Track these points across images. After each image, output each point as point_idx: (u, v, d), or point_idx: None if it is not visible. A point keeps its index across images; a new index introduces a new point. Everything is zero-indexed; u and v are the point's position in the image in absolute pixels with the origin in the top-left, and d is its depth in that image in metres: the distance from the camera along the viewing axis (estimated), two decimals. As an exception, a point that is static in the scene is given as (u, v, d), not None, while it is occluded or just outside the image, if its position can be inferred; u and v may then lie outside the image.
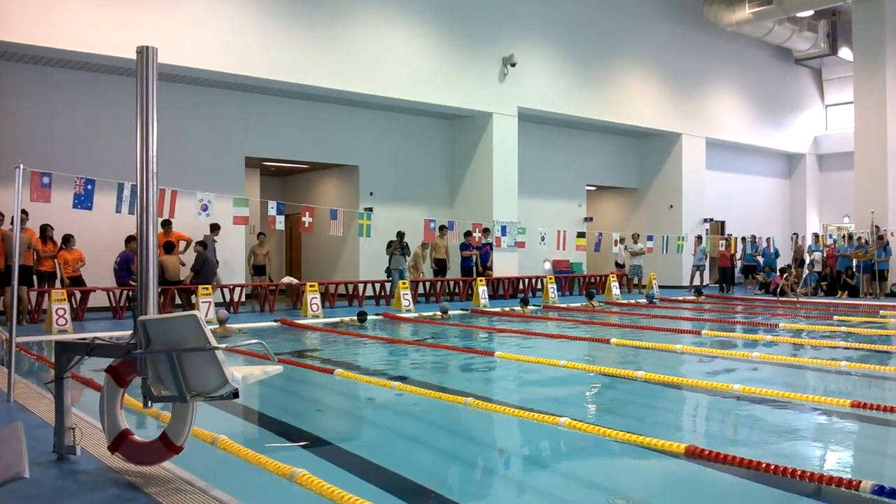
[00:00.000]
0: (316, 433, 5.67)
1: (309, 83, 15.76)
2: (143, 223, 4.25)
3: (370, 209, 17.07)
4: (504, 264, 19.22)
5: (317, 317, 13.67)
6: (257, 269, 16.61)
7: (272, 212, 13.89)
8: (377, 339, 10.96)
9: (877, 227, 19.68)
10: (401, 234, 16.99)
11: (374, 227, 15.60)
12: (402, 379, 7.72)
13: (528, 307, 15.41)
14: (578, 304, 16.81)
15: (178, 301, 14.27)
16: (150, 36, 12.91)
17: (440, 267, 18.28)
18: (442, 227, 17.56)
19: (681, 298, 18.51)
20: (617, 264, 21.60)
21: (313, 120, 17.79)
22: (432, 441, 5.65)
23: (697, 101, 24.24)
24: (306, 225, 14.37)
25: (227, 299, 14.93)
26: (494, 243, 18.46)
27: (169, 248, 14.33)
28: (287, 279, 16.41)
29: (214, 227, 15.12)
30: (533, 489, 4.57)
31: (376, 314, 14.30)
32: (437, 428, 6.02)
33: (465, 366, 9.04)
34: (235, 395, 3.84)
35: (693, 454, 4.42)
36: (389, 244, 16.95)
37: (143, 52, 4.27)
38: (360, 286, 16.92)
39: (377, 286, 17.00)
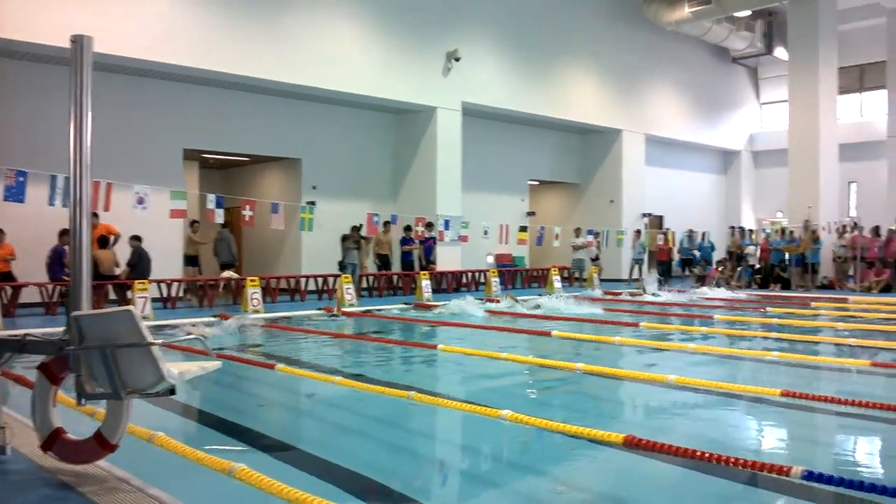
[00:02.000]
0: (257, 429, 5.60)
1: (251, 75, 15.53)
2: (77, 216, 4.12)
3: (313, 203, 16.91)
4: (447, 258, 19.27)
5: (257, 312, 13.47)
6: (189, 260, 16.28)
7: (211, 205, 13.67)
8: (319, 334, 10.87)
9: (809, 221, 20.32)
10: (356, 228, 16.88)
11: (316, 221, 15.48)
12: (345, 374, 7.68)
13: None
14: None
15: (112, 297, 13.93)
16: (86, 24, 12.53)
17: (383, 262, 18.24)
18: (386, 223, 17.53)
19: (620, 291, 18.81)
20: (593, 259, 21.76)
21: (255, 112, 17.53)
22: (375, 435, 5.64)
23: (637, 98, 24.67)
24: (247, 218, 14.19)
25: (164, 294, 14.62)
26: (438, 237, 18.49)
27: (103, 242, 13.96)
28: (227, 274, 16.14)
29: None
30: (476, 480, 4.60)
31: (364, 309, 14.20)
32: (380, 422, 6.00)
33: (408, 359, 9.04)
34: (172, 391, 3.76)
35: (631, 444, 4.50)
36: (345, 237, 16.81)
37: (78, 41, 4.14)
38: (303, 281, 16.75)
39: (320, 280, 16.86)
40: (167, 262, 15.87)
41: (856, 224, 20.77)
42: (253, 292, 13.80)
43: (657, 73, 25.45)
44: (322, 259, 17.52)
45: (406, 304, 15.41)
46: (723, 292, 17.80)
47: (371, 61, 17.56)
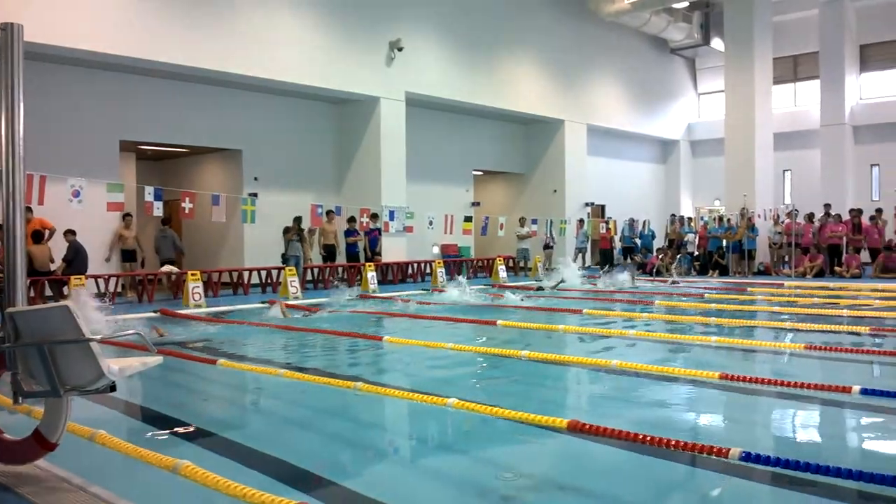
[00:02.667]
0: (201, 425, 5.52)
1: (190, 65, 15.22)
2: (10, 211, 3.99)
3: (254, 195, 16.68)
4: (393, 249, 19.24)
5: (199, 306, 13.26)
6: (126, 254, 15.88)
7: (149, 197, 13.39)
8: (263, 327, 10.75)
9: (745, 208, 20.87)
10: (298, 220, 16.69)
11: (259, 213, 15.29)
12: (290, 366, 7.63)
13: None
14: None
15: (49, 293, 13.54)
16: (16, 12, 12.09)
17: (329, 253, 18.12)
18: (329, 213, 17.40)
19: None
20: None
21: (194, 102, 17.19)
22: (321, 427, 5.62)
23: (579, 88, 24.95)
24: (186, 211, 13.93)
25: (102, 290, 14.27)
26: (383, 228, 18.44)
27: (37, 237, 13.55)
28: (167, 268, 15.82)
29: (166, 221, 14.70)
30: (423, 468, 4.63)
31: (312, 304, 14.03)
32: (326, 414, 5.98)
33: (354, 351, 9.02)
34: (113, 388, 3.68)
35: (575, 428, 4.58)
36: (286, 230, 16.61)
37: (8, 29, 4.00)
38: (246, 274, 16.53)
39: (264, 273, 16.66)
40: (105, 257, 15.51)
41: (790, 211, 21.41)
42: (194, 286, 13.57)
43: (598, 64, 25.78)
44: (265, 252, 17.31)
45: (352, 296, 15.34)
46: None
47: (313, 51, 17.37)
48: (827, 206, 21.02)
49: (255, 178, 18.17)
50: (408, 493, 4.11)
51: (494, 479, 4.26)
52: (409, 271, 19.48)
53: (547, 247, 22.23)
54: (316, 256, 18.17)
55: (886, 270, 18.48)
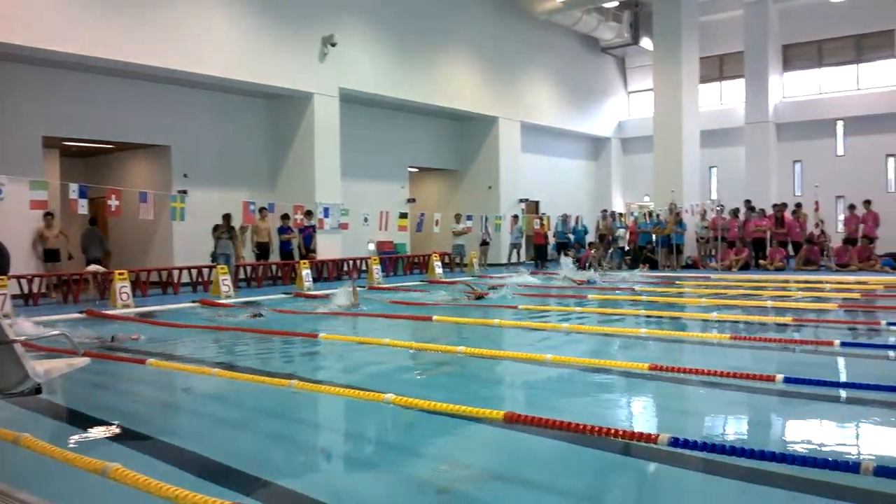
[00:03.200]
0: (131, 426, 5.39)
1: (116, 58, 14.76)
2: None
3: (184, 192, 16.32)
4: (328, 246, 19.07)
5: (127, 306, 12.90)
6: (49, 254, 15.34)
7: (74, 195, 12.98)
8: (193, 328, 10.53)
9: (673, 204, 21.40)
10: (227, 217, 16.37)
11: (189, 210, 14.97)
12: (223, 365, 7.50)
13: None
14: (407, 285, 17.04)
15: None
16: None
17: (262, 250, 17.87)
18: (262, 210, 17.15)
19: (504, 275, 19.23)
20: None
21: (120, 97, 16.70)
22: (256, 426, 5.54)
23: (513, 86, 25.17)
24: (113, 209, 13.55)
25: (26, 290, 13.76)
26: (318, 225, 18.27)
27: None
28: (93, 267, 15.33)
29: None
30: (360, 464, 4.62)
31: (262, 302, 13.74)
32: (261, 413, 5.91)
33: (289, 349, 8.92)
34: (38, 390, 3.57)
35: (511, 420, 4.64)
36: (216, 227, 16.28)
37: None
38: (176, 273, 16.15)
39: (194, 272, 16.32)
40: (29, 257, 14.96)
41: (717, 207, 22.05)
42: (122, 286, 13.19)
43: (532, 62, 26.06)
44: (196, 250, 16.93)
45: (286, 293, 15.17)
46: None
47: (243, 45, 17.08)
48: (747, 201, 21.72)
49: (185, 175, 17.78)
50: (345, 490, 4.10)
51: (432, 472, 4.28)
52: (345, 268, 19.36)
53: (483, 243, 22.38)
54: (249, 254, 17.89)
55: (808, 263, 19.20)
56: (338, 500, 3.87)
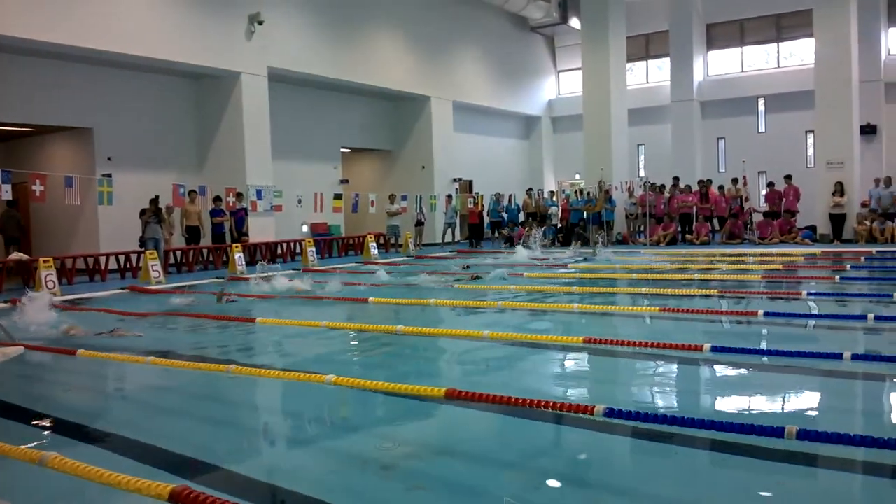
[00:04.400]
0: (66, 417, 5.27)
1: (33, 38, 14.15)
2: None
3: (109, 175, 15.83)
4: (261, 229, 18.81)
5: (54, 294, 12.50)
6: None
7: (-5, 180, 12.46)
8: (125, 315, 10.28)
9: (603, 181, 21.80)
10: (154, 200, 15.94)
11: (115, 194, 14.54)
12: (157, 353, 7.37)
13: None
14: (342, 266, 16.95)
15: None
16: None
17: (192, 234, 17.49)
18: (192, 193, 16.79)
19: (439, 255, 19.32)
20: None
21: (38, 79, 16.03)
22: (196, 412, 5.49)
23: (445, 65, 25.15)
24: (38, 194, 13.07)
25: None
26: (250, 208, 17.99)
27: None
28: (15, 255, 14.79)
29: None
30: (304, 444, 4.63)
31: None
32: (199, 399, 5.85)
33: (225, 334, 8.81)
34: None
35: (452, 396, 4.71)
36: (143, 212, 15.85)
37: None
38: (103, 259, 15.70)
39: (122, 258, 15.90)
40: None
41: (644, 183, 22.54)
42: (47, 274, 12.76)
43: (462, 41, 26.06)
44: (123, 235, 16.48)
45: (219, 278, 14.93)
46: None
47: (166, 23, 16.59)
48: (675, 178, 22.29)
49: (109, 158, 17.22)
50: (289, 471, 4.11)
51: (375, 450, 4.32)
52: (279, 251, 19.14)
53: (418, 223, 22.40)
54: (179, 239, 17.51)
55: (732, 237, 19.85)
56: (282, 482, 3.88)
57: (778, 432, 3.72)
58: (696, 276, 12.29)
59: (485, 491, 3.65)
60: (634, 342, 6.70)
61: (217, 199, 17.51)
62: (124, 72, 17.42)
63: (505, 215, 24.27)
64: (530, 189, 25.68)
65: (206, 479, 3.81)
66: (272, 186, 18.45)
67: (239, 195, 17.45)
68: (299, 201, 18.32)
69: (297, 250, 19.17)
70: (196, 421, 5.21)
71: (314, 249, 17.80)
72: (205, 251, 17.59)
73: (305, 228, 21.28)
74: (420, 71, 23.99)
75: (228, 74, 18.27)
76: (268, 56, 18.81)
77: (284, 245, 19.32)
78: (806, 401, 5.38)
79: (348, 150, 24.73)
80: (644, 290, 10.63)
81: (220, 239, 17.91)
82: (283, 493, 3.76)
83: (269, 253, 18.72)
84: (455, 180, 25.58)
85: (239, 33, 18.18)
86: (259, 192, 17.79)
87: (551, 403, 4.47)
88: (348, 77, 21.26)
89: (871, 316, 7.52)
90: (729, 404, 5.27)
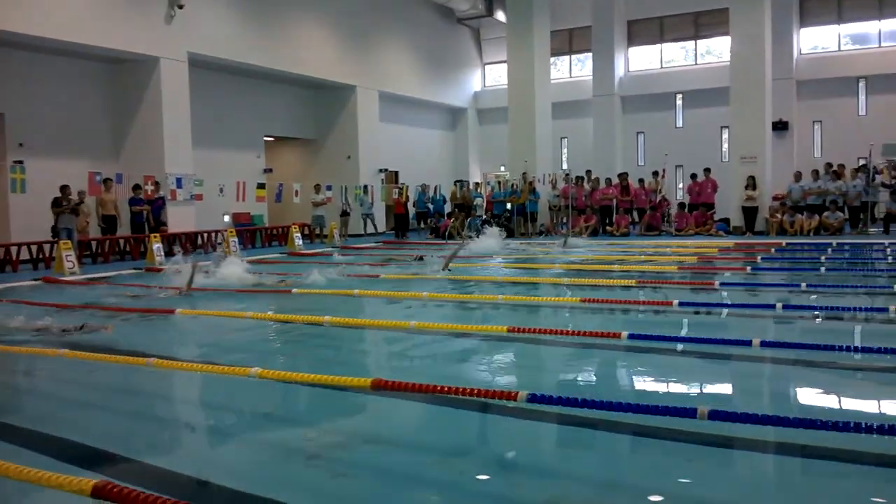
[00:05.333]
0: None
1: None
2: None
3: (20, 162, 15.18)
4: (180, 218, 18.35)
5: (-39, 286, 11.95)
6: None
7: None
8: (33, 305, 9.90)
9: (527, 174, 22.09)
10: (65, 188, 15.33)
11: (28, 182, 13.97)
12: (73, 346, 7.14)
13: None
14: (268, 257, 16.71)
15: None
16: None
17: (109, 224, 16.94)
18: (108, 181, 16.27)
19: (368, 245, 19.25)
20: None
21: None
22: (116, 406, 5.36)
23: (370, 55, 25.00)
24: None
25: None
26: (169, 196, 17.54)
27: None
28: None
29: None
30: (229, 437, 4.59)
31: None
32: (119, 392, 5.71)
33: (147, 326, 8.59)
34: None
35: (378, 386, 4.74)
36: (55, 201, 15.22)
37: None
38: (14, 249, 15.05)
39: (34, 248, 15.29)
40: None
41: (567, 176, 22.96)
42: (-47, 264, 12.19)
43: (388, 31, 25.95)
44: (35, 224, 15.82)
45: (136, 269, 14.53)
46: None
47: (82, 5, 15.97)
48: (588, 172, 22.88)
49: (21, 145, 16.51)
50: (214, 464, 4.08)
51: (301, 440, 4.32)
52: (199, 241, 18.72)
53: (343, 213, 22.26)
54: (95, 229, 16.93)
55: (651, 228, 20.43)
56: (207, 474, 3.84)
57: (691, 413, 3.89)
58: (616, 266, 12.58)
59: (411, 477, 3.70)
60: (556, 330, 6.87)
61: (136, 187, 17.00)
62: (38, 55, 16.71)
63: (430, 206, 24.34)
64: (459, 181, 25.82)
65: (129, 474, 3.75)
66: (192, 175, 18.03)
67: (157, 184, 16.98)
68: (221, 190, 17.96)
69: (219, 241, 18.78)
70: (115, 414, 5.09)
71: (236, 240, 17.50)
72: (121, 241, 17.06)
73: (227, 218, 20.87)
74: (346, 60, 23.79)
75: (147, 59, 17.73)
76: (188, 41, 18.34)
77: (205, 235, 18.92)
78: (718, 385, 5.62)
79: (272, 139, 24.36)
80: (566, 280, 10.84)
81: (138, 229, 17.41)
82: (209, 485, 3.72)
83: (190, 243, 18.30)
84: (381, 171, 25.50)
85: (158, 17, 17.66)
86: (179, 181, 17.36)
87: (476, 390, 4.55)
88: (272, 64, 20.93)
89: (779, 305, 7.89)
90: (645, 388, 5.46)
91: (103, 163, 17.67)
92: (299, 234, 19.29)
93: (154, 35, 17.54)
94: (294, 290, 10.27)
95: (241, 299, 10.16)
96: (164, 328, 8.40)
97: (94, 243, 16.54)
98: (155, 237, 15.80)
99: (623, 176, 21.95)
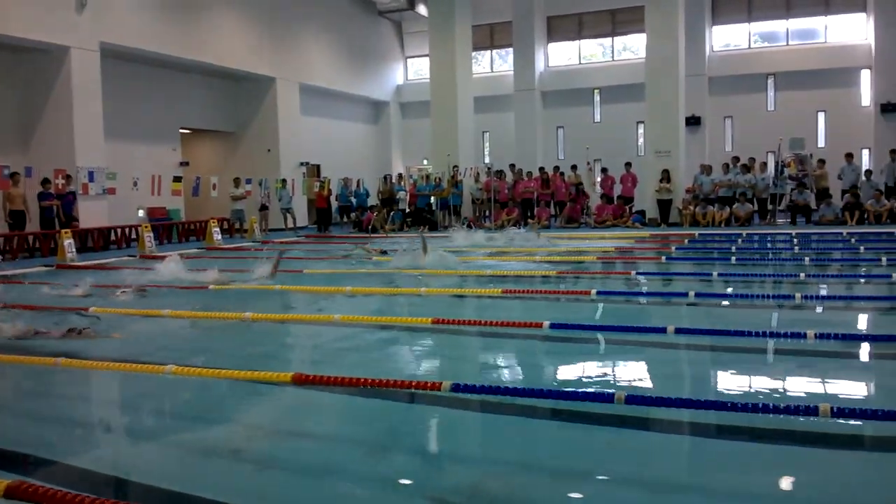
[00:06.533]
0: None
1: None
2: None
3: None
4: (93, 213, 17.71)
5: None
6: None
7: None
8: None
9: (449, 167, 22.21)
10: None
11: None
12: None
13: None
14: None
15: None
16: None
17: (17, 220, 16.21)
18: (15, 175, 15.59)
19: (292, 239, 19.00)
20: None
21: None
22: (26, 407, 5.16)
23: (291, 46, 24.64)
24: None
25: None
26: (80, 191, 16.91)
27: None
28: None
29: None
30: (147, 436, 4.47)
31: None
32: (28, 394, 5.50)
33: (54, 324, 8.27)
34: None
35: (300, 380, 4.71)
36: None
37: None
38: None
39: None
40: None
41: (489, 169, 23.18)
42: None
43: (309, 22, 25.61)
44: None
45: (46, 265, 13.97)
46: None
47: (-16, -10, 15.26)
48: (511, 165, 23.19)
49: (-83, 136, 15.68)
50: (134, 462, 3.98)
51: (221, 437, 4.25)
52: (112, 237, 18.13)
53: (263, 207, 21.90)
54: (2, 224, 16.19)
55: (571, 221, 20.83)
56: (126, 473, 3.75)
57: (609, 398, 4.01)
58: (538, 257, 12.77)
59: (336, 470, 3.69)
60: (479, 321, 6.95)
61: (46, 181, 16.33)
62: (-68, 41, 15.87)
63: (353, 200, 24.21)
64: (387, 175, 25.74)
65: (45, 475, 3.63)
66: (105, 168, 17.43)
67: (68, 178, 16.35)
68: (135, 184, 17.41)
69: (133, 236, 18.22)
70: (26, 416, 4.91)
71: (152, 235, 16.98)
72: (31, 238, 16.37)
73: (142, 213, 20.26)
74: (265, 51, 23.39)
75: (56, 49, 17.01)
76: (101, 31, 17.68)
77: (119, 231, 18.33)
78: (634, 370, 5.79)
79: (189, 132, 23.76)
80: (489, 272, 10.95)
81: (48, 224, 16.72)
82: (130, 484, 3.63)
83: (103, 239, 17.71)
84: (302, 164, 25.19)
85: (68, 5, 16.97)
86: (91, 174, 16.75)
87: (400, 382, 4.58)
88: (188, 55, 20.40)
89: (691, 293, 8.18)
90: (565, 374, 5.58)
91: (10, 156, 16.87)
92: (218, 229, 18.88)
93: (64, 24, 16.84)
94: (211, 287, 10.02)
95: (161, 296, 9.89)
96: (83, 326, 8.11)
97: (1, 240, 15.82)
98: (66, 233, 15.19)
99: (544, 170, 22.31)
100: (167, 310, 8.06)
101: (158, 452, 4.12)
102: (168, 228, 20.04)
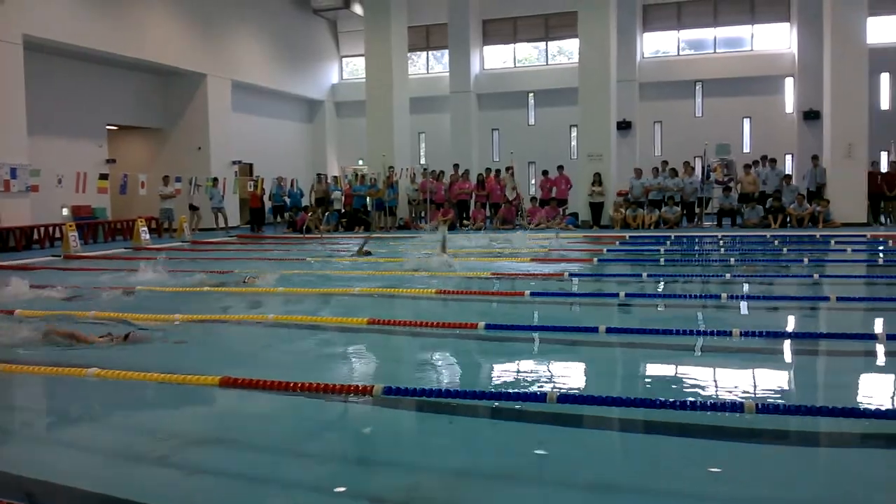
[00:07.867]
0: None
1: None
2: None
3: None
4: (15, 211, 17.03)
5: None
6: None
7: None
8: None
9: (385, 167, 22.14)
10: None
11: None
12: None
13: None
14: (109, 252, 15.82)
15: None
16: None
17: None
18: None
19: (217, 240, 18.63)
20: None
21: None
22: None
23: (223, 42, 24.18)
24: None
25: None
26: (2, 188, 16.25)
27: None
28: None
29: None
30: (68, 441, 4.31)
31: None
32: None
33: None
34: None
35: (227, 384, 4.62)
36: None
37: None
38: None
39: None
40: None
41: (425, 170, 23.18)
42: None
43: (241, 18, 25.17)
44: None
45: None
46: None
47: None
48: (456, 165, 23.23)
49: None
50: (58, 467, 3.82)
51: (150, 442, 4.13)
52: (35, 236, 17.48)
53: (191, 207, 21.43)
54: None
55: (505, 222, 21.01)
56: (51, 477, 3.59)
57: (541, 397, 4.04)
58: (475, 259, 12.84)
59: (266, 474, 3.62)
60: (414, 322, 6.92)
61: (-40, 177, 15.65)
62: None
63: (287, 200, 23.90)
64: (320, 174, 25.48)
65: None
66: (28, 165, 16.80)
67: (-14, 174, 15.70)
68: (59, 181, 16.82)
69: (57, 235, 17.60)
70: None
71: (76, 234, 16.43)
72: (-55, 236, 15.68)
73: (66, 211, 19.59)
74: (195, 47, 22.89)
75: (-27, 39, 16.34)
76: (23, 23, 17.01)
77: (42, 230, 17.69)
78: (567, 369, 5.86)
79: (115, 128, 23.07)
80: (426, 273, 10.95)
81: (-34, 223, 16.04)
82: (54, 487, 3.49)
83: (25, 238, 17.06)
84: (234, 163, 24.74)
85: (-15, -7, 16.31)
86: (13, 171, 16.12)
87: (329, 386, 4.52)
88: (115, 49, 19.81)
89: (622, 293, 8.33)
90: (500, 374, 5.60)
91: (-79, 150, 16.13)
92: (146, 228, 18.41)
93: (-19, 13, 16.18)
94: (138, 288, 9.76)
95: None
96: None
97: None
98: (-17, 231, 14.59)
99: (478, 172, 22.46)
100: (93, 311, 7.79)
101: (81, 458, 3.98)
102: (94, 227, 19.44)
